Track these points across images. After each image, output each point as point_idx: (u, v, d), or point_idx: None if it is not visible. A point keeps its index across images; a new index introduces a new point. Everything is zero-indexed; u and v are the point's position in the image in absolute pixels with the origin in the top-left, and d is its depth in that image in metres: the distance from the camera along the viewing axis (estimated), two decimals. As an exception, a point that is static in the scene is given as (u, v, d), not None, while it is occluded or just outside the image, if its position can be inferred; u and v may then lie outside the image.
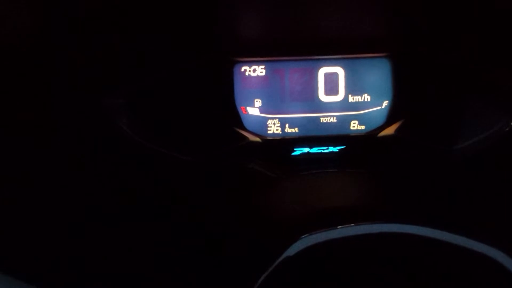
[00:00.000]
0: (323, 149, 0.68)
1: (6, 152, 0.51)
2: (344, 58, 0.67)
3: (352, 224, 0.44)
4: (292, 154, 0.68)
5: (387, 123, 0.68)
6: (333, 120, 0.68)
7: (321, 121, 0.68)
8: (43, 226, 0.49)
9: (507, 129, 0.64)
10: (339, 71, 0.67)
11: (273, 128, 0.68)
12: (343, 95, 0.68)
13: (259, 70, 0.67)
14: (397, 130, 0.67)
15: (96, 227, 0.54)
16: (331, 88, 0.67)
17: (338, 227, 0.44)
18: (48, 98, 0.57)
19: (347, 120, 0.68)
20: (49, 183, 0.54)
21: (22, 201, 0.49)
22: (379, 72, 0.67)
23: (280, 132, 0.68)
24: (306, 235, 0.43)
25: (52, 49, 0.56)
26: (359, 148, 0.68)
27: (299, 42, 0.66)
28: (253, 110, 0.67)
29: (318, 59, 0.67)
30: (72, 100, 0.59)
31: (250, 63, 0.66)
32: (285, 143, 0.68)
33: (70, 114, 0.59)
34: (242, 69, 0.66)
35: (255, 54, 0.66)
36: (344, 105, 0.68)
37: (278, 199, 0.57)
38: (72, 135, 0.59)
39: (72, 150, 0.59)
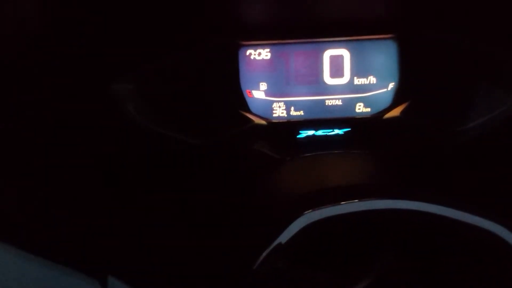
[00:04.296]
0: (329, 132, 0.68)
1: (14, 142, 0.52)
2: (349, 40, 0.67)
3: (356, 200, 0.44)
4: (297, 136, 0.68)
5: (393, 105, 0.68)
6: (339, 102, 0.68)
7: (326, 103, 0.68)
8: (53, 214, 0.50)
9: (514, 110, 0.64)
10: (345, 53, 0.67)
11: (278, 111, 0.68)
12: (348, 77, 0.67)
13: (264, 54, 0.67)
14: (402, 112, 0.67)
15: (105, 212, 0.55)
16: (336, 71, 0.67)
17: (342, 203, 0.44)
18: (56, 84, 0.58)
19: (352, 102, 0.68)
20: (56, 171, 0.54)
21: (32, 190, 0.50)
22: (385, 54, 0.67)
23: (285, 115, 0.68)
24: (309, 210, 0.43)
25: (59, 36, 0.57)
26: (364, 130, 0.68)
27: (304, 24, 0.66)
28: (259, 93, 0.68)
29: (323, 42, 0.67)
30: (80, 86, 0.60)
31: (255, 47, 0.67)
32: (290, 125, 0.68)
33: (78, 100, 0.60)
34: (247, 53, 0.67)
35: (260, 38, 0.66)
36: (349, 87, 0.68)
37: (283, 179, 0.57)
38: (81, 121, 0.60)
39: (80, 136, 0.60)
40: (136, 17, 0.61)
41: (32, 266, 0.40)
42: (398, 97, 0.68)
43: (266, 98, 0.68)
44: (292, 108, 0.68)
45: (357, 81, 0.68)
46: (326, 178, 0.57)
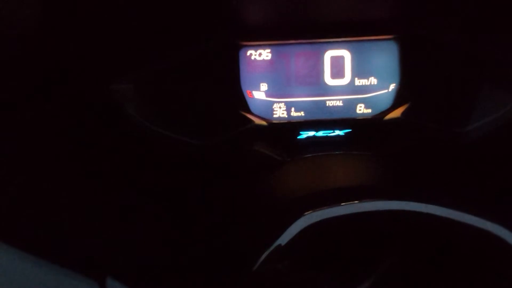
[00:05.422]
0: (329, 133, 0.68)
1: (14, 142, 0.52)
2: (350, 41, 0.66)
3: (355, 201, 0.44)
4: (298, 137, 0.68)
5: (394, 106, 0.68)
6: (339, 103, 0.68)
7: (327, 104, 0.68)
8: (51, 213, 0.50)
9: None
10: (345, 54, 0.67)
11: (279, 111, 0.68)
12: (349, 78, 0.67)
13: (265, 54, 0.67)
14: (403, 113, 0.67)
15: (105, 212, 0.55)
16: (337, 72, 0.67)
17: (342, 204, 0.44)
18: (56, 84, 0.58)
19: (353, 103, 0.68)
20: (56, 172, 0.54)
21: (32, 191, 0.50)
22: (386, 55, 0.67)
23: (286, 116, 0.68)
24: (310, 211, 0.43)
25: (59, 36, 0.57)
26: (365, 131, 0.68)
27: (305, 25, 0.66)
28: (259, 94, 0.68)
29: (324, 42, 0.66)
30: (80, 86, 0.60)
31: (255, 47, 0.66)
32: (291, 126, 0.68)
33: (78, 100, 0.60)
34: (248, 53, 0.67)
35: (260, 38, 0.66)
36: (350, 88, 0.68)
37: (283, 179, 0.57)
38: (80, 122, 0.60)
39: (80, 136, 0.60)
40: (137, 17, 0.60)
41: (31, 267, 0.40)
42: (399, 98, 0.67)
43: (267, 98, 0.68)
44: (293, 109, 0.68)
45: (358, 82, 0.67)
46: (326, 179, 0.57)
